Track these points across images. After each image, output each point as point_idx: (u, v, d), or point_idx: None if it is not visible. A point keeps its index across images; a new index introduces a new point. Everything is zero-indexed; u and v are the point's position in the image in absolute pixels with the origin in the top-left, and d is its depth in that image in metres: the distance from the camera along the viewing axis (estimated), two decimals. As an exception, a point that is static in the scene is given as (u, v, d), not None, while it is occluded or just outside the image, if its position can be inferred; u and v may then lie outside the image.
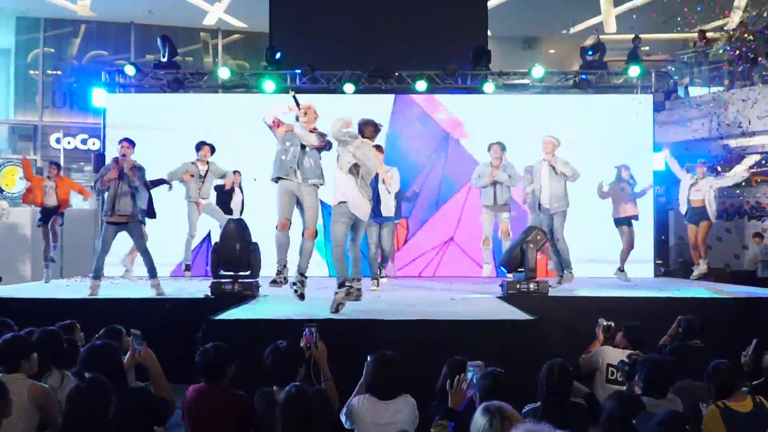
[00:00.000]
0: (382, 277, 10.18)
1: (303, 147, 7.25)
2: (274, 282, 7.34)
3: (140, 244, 8.92)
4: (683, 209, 10.83)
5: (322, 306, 7.08)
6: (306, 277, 7.32)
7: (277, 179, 7.32)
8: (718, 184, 10.67)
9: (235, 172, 11.41)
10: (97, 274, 8.71)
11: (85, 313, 7.11)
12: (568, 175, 9.17)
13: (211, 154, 10.85)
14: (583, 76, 13.19)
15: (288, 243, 7.43)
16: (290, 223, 7.36)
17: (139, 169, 8.72)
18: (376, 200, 8.49)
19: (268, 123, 7.48)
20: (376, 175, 7.59)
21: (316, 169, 7.29)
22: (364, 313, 6.98)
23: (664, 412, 3.65)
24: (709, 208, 10.56)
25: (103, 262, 8.79)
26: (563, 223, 9.24)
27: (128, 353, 4.69)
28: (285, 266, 7.38)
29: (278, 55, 13.43)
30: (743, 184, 15.45)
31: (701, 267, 10.80)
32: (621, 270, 10.69)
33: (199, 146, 10.77)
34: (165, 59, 13.46)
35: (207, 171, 10.74)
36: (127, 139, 8.85)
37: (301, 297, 7.24)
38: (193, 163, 10.68)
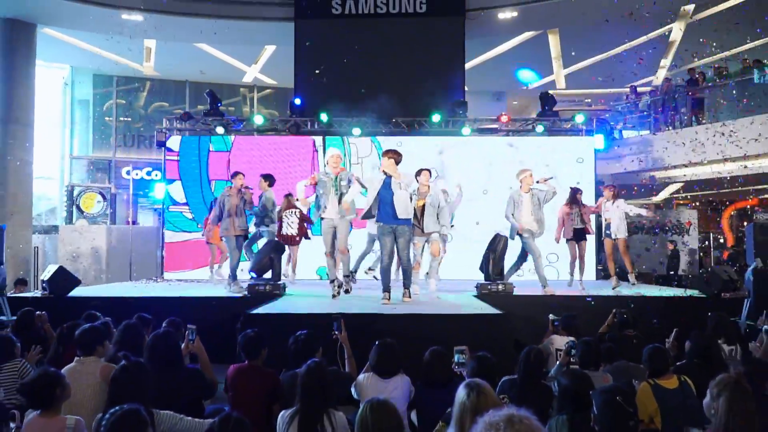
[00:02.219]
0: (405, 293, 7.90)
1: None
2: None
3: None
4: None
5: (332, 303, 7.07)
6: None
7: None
8: (625, 207, 9.78)
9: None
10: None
11: (151, 308, 7.12)
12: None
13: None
14: (540, 122, 13.23)
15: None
16: None
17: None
18: (391, 203, 7.53)
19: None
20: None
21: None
22: (372, 309, 7.01)
23: (606, 385, 3.65)
24: (621, 224, 9.67)
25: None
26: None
27: (184, 343, 4.69)
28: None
29: (298, 102, 13.67)
30: (662, 206, 15.48)
31: (619, 281, 9.83)
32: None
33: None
34: (212, 109, 13.48)
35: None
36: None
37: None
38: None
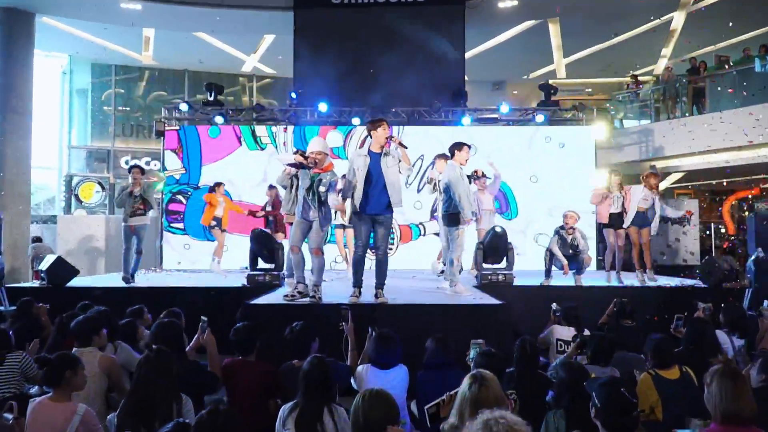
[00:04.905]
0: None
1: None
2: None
3: None
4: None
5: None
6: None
7: None
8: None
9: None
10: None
11: (148, 298, 7.13)
12: None
13: None
14: (540, 112, 13.18)
15: None
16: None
17: None
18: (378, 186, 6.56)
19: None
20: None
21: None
22: (370, 299, 6.92)
23: (606, 376, 3.63)
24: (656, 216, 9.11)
25: None
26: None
27: (196, 336, 4.67)
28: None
29: (294, 95, 13.61)
30: (663, 196, 15.42)
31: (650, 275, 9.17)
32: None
33: None
34: (211, 99, 13.43)
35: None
36: None
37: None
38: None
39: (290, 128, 13.02)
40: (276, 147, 12.91)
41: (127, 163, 19.15)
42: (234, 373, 4.35)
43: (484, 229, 9.43)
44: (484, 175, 9.80)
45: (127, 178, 9.36)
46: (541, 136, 13.01)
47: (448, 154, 7.99)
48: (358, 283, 6.77)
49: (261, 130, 13.05)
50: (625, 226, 9.12)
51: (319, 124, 13.07)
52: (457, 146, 7.78)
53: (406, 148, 6.67)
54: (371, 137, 6.71)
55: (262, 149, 12.93)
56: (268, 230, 9.46)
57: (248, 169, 12.78)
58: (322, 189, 6.46)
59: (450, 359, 4.37)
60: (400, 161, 6.62)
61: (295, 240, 6.73)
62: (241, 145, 12.95)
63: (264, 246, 8.36)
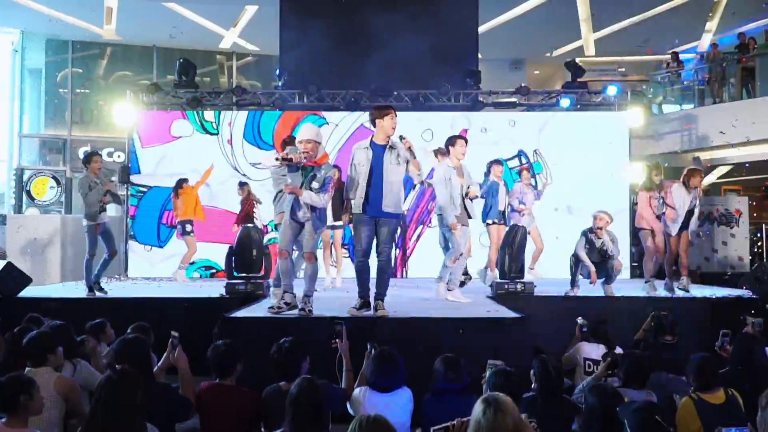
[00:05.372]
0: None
1: None
2: None
3: None
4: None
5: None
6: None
7: None
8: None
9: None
10: None
11: (112, 311, 7.15)
12: None
13: None
14: (565, 95, 13.18)
15: None
16: None
17: None
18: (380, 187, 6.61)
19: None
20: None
21: None
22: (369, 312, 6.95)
23: (640, 402, 3.65)
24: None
25: None
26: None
27: (165, 354, 4.67)
28: None
29: (283, 76, 13.56)
30: (708, 192, 15.45)
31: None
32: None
33: None
34: (187, 78, 13.42)
35: None
36: None
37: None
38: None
39: (241, 114, 13.04)
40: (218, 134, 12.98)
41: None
42: (210, 399, 4.35)
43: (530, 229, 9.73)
44: (530, 169, 9.88)
45: (83, 171, 9.27)
46: (566, 122, 13.02)
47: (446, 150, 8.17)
48: (364, 291, 6.75)
49: (210, 115, 13.11)
50: (674, 233, 9.06)
51: (309, 109, 13.08)
52: (451, 141, 8.01)
53: (415, 158, 6.70)
54: (375, 127, 6.72)
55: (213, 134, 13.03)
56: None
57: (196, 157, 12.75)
58: (315, 185, 6.37)
59: (462, 382, 4.38)
60: (408, 161, 6.65)
61: (283, 243, 6.70)
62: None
63: (248, 249, 8.39)
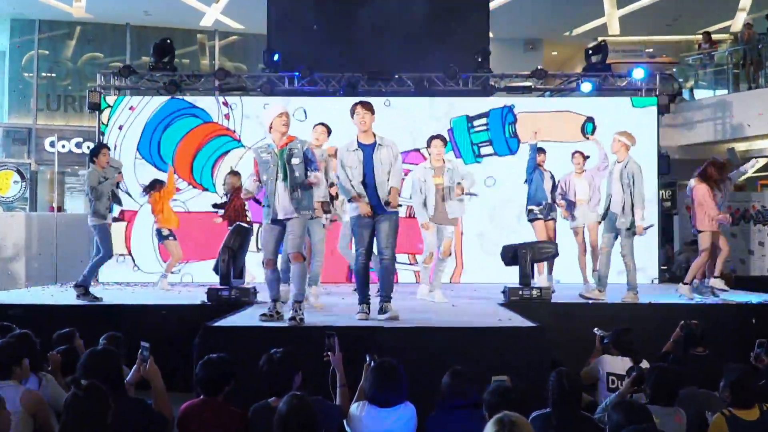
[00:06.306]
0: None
1: None
2: None
3: None
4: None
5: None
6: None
7: None
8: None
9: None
10: None
11: (82, 319, 7.16)
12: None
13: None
14: (586, 79, 13.18)
15: None
16: None
17: None
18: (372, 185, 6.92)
19: None
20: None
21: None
22: (369, 320, 6.95)
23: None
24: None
25: None
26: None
27: (134, 366, 4.67)
28: None
29: (276, 57, 13.45)
30: (744, 188, 15.47)
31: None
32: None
33: None
34: (164, 60, 13.39)
35: None
36: None
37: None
38: None
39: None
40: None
41: (53, 145, 19.18)
42: (194, 419, 4.36)
43: (579, 227, 9.72)
44: (582, 154, 9.79)
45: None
46: (587, 108, 13.01)
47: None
48: (364, 298, 6.98)
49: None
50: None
51: (300, 94, 13.07)
52: (428, 142, 8.91)
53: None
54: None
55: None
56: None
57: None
58: (295, 161, 6.45)
59: (471, 398, 4.39)
60: (396, 158, 6.98)
61: (268, 251, 6.72)
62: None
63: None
